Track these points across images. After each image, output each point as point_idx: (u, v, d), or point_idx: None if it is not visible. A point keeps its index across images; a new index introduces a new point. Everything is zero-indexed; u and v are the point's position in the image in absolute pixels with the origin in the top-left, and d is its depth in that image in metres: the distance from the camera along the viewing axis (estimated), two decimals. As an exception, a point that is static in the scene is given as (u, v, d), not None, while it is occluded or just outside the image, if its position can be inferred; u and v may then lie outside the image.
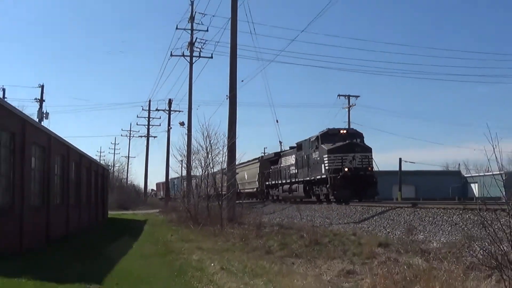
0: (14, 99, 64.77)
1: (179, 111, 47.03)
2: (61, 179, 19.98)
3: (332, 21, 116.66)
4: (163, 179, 57.28)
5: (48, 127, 20.52)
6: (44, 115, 41.83)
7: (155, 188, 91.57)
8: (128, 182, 77.46)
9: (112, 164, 75.04)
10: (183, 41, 44.15)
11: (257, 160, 38.76)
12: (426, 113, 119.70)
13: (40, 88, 42.89)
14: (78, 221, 22.96)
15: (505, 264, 6.29)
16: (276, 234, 15.97)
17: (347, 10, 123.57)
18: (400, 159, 46.08)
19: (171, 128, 48.49)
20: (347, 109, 46.97)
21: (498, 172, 7.74)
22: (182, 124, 38.56)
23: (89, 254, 13.20)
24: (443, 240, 11.99)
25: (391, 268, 8.59)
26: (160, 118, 56.60)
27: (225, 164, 22.96)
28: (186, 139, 31.68)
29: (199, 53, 35.13)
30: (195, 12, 34.28)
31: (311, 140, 25.97)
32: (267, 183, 34.93)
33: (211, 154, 22.94)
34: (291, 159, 29.66)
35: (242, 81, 35.75)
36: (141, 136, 61.90)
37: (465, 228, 12.15)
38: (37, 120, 35.46)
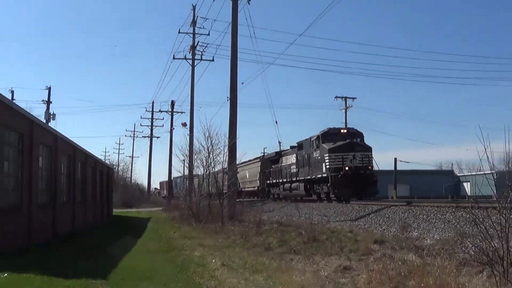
0: (22, 101, 64.97)
1: (182, 112, 47.25)
2: (67, 178, 20.01)
3: (331, 25, 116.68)
4: (166, 178, 57.29)
5: (55, 128, 20.55)
6: (51, 116, 41.92)
7: (158, 187, 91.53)
8: (132, 181, 77.42)
9: (117, 164, 74.97)
10: (186, 45, 44.22)
11: (258, 159, 38.62)
12: (421, 115, 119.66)
13: (47, 90, 43.05)
14: (83, 218, 22.98)
15: (496, 260, 6.31)
16: (275, 231, 15.95)
17: (345, 14, 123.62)
18: (396, 159, 46.15)
19: (173, 128, 48.66)
20: (344, 111, 47.07)
21: (490, 172, 7.77)
22: (184, 125, 38.63)
23: (94, 250, 13.19)
24: (436, 237, 12.01)
25: (386, 264, 8.60)
26: (163, 119, 56.84)
27: (226, 164, 22.98)
28: (188, 140, 31.70)
29: (201, 56, 35.27)
30: (197, 16, 34.41)
31: (312, 139, 25.68)
32: (268, 181, 34.72)
33: (213, 154, 22.99)
34: (292, 158, 29.45)
35: (243, 83, 35.92)
36: (145, 137, 62.20)
37: (458, 226, 12.17)
38: (44, 121, 35.46)
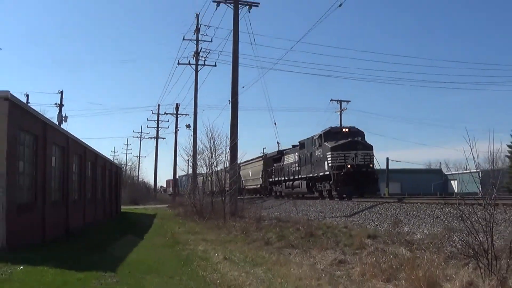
0: (37, 104, 64.80)
1: (186, 115, 47.27)
2: (79, 177, 19.99)
3: (328, 32, 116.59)
4: (172, 177, 57.30)
5: (67, 129, 20.52)
6: (63, 119, 41.83)
7: (164, 185, 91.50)
8: (139, 180, 77.36)
9: (125, 163, 74.94)
10: (190, 51, 44.06)
11: (261, 158, 38.36)
12: (412, 117, 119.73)
13: (60, 94, 42.98)
14: (94, 215, 22.97)
15: (481, 253, 6.34)
16: (274, 227, 15.96)
17: (340, 22, 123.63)
18: (388, 159, 46.07)
19: (178, 130, 48.76)
20: (339, 113, 47.04)
21: (475, 170, 7.80)
22: (188, 126, 38.61)
23: (104, 245, 13.19)
24: (425, 232, 12.02)
25: (379, 258, 8.60)
26: (168, 121, 56.71)
27: (227, 163, 22.98)
28: (192, 140, 31.68)
29: (204, 62, 35.22)
30: (201, 24, 34.35)
31: (314, 138, 25.06)
32: (270, 179, 34.27)
33: (215, 154, 23.03)
34: (294, 157, 28.96)
35: (243, 87, 35.86)
36: (151, 138, 62.00)
37: (446, 221, 12.18)
38: (57, 123, 35.45)
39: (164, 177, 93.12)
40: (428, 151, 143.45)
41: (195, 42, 35.11)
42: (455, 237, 9.38)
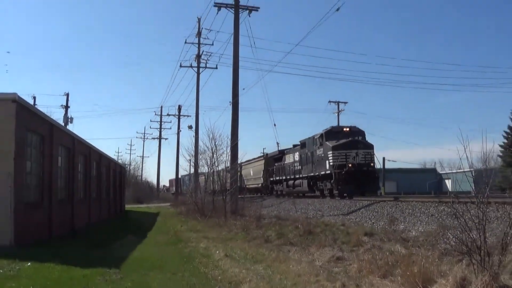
0: (43, 106, 64.87)
1: (188, 116, 47.36)
2: (84, 176, 20.02)
3: (327, 35, 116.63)
4: (174, 176, 57.28)
5: (72, 130, 20.54)
6: (69, 120, 41.89)
7: (168, 184, 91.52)
8: (143, 179, 77.46)
9: (129, 163, 74.90)
10: (191, 54, 44.20)
11: (262, 158, 38.15)
12: (408, 118, 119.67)
13: (66, 96, 43.06)
14: (98, 213, 23.00)
15: (474, 250, 6.34)
16: (274, 225, 15.94)
17: (340, 24, 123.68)
18: (384, 158, 46.11)
19: (180, 131, 48.73)
20: (336, 114, 47.04)
21: (469, 170, 7.82)
22: (190, 127, 38.64)
23: (109, 242, 13.21)
24: (420, 229, 12.02)
25: (376, 255, 8.59)
26: (170, 122, 57.22)
27: (228, 163, 23.00)
28: (193, 141, 31.76)
29: (205, 64, 35.23)
30: (202, 28, 34.35)
31: (316, 137, 24.68)
32: (271, 179, 33.94)
33: (216, 154, 23.05)
34: (295, 156, 28.65)
35: (244, 89, 36.02)
36: (154, 138, 62.07)
37: (440, 219, 12.19)
38: (63, 124, 35.47)
39: (167, 176, 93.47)
40: (423, 151, 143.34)
41: (197, 45, 35.16)
42: (449, 234, 9.38)
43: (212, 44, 34.40)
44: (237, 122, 22.97)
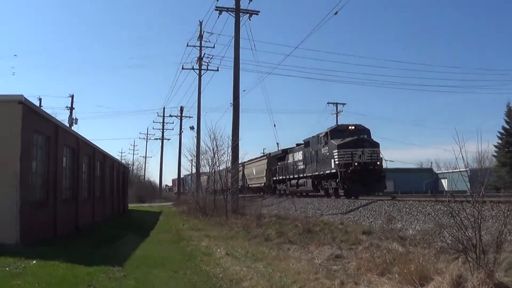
0: (49, 107, 64.92)
1: (190, 117, 47.64)
2: (88, 176, 20.03)
3: (326, 37, 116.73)
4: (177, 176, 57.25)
5: (77, 131, 20.56)
6: (74, 121, 41.86)
7: (170, 184, 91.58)
8: (146, 179, 77.49)
9: (132, 163, 75.08)
10: (193, 56, 44.42)
11: (264, 157, 37.64)
12: (405, 118, 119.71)
13: (71, 98, 43.10)
14: (102, 212, 22.99)
15: (470, 248, 6.35)
16: (274, 223, 15.94)
17: (339, 27, 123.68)
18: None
19: (182, 131, 48.86)
20: (335, 115, 47.03)
21: (464, 169, 7.82)
22: (192, 128, 38.60)
23: (112, 241, 13.20)
24: (417, 228, 12.00)
25: (374, 253, 8.60)
26: (173, 123, 57.16)
27: (229, 163, 23.01)
28: (195, 141, 31.77)
29: (207, 67, 35.24)
30: (204, 31, 34.41)
31: (320, 136, 23.76)
32: (274, 178, 33.22)
33: (217, 154, 23.07)
34: (299, 155, 27.88)
35: (244, 90, 35.99)
36: (157, 139, 62.08)
37: (436, 218, 12.15)
38: (68, 125, 35.45)
39: (169, 176, 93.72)
40: (420, 151, 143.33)
41: (199, 48, 35.20)
42: (446, 232, 9.35)
43: (214, 47, 34.52)
44: (238, 123, 22.97)
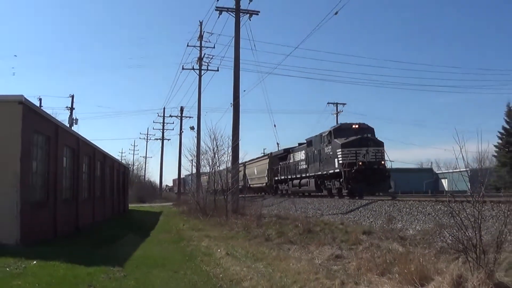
0: (49, 108, 64.85)
1: (190, 117, 47.67)
2: (88, 176, 20.02)
3: (326, 37, 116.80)
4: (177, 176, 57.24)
5: (77, 131, 20.55)
6: (74, 121, 41.88)
7: (171, 184, 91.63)
8: (146, 179, 77.52)
9: (132, 163, 75.13)
10: (193, 57, 44.45)
11: (266, 157, 37.39)
12: (405, 119, 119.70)
13: (71, 98, 43.13)
14: (102, 212, 22.99)
15: (470, 248, 6.34)
16: (274, 224, 15.93)
17: (338, 28, 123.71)
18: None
19: (182, 132, 48.89)
20: (335, 115, 47.01)
21: (464, 169, 7.81)
22: (192, 128, 38.60)
23: (112, 241, 13.20)
24: (418, 228, 12.00)
25: (374, 253, 8.60)
26: (173, 123, 57.20)
27: (229, 163, 23.00)
28: (195, 141, 31.77)
29: (207, 67, 35.26)
30: (204, 31, 34.41)
31: (323, 135, 23.32)
32: (276, 178, 32.92)
33: (218, 154, 23.08)
34: (301, 155, 27.39)
35: (244, 90, 36.01)
36: (157, 139, 62.06)
37: (437, 218, 12.15)
38: (68, 125, 35.46)
39: (170, 176, 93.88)
40: (420, 151, 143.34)
41: (199, 48, 35.21)
42: (446, 232, 9.35)
43: (214, 47, 34.52)
44: (238, 123, 22.97)
